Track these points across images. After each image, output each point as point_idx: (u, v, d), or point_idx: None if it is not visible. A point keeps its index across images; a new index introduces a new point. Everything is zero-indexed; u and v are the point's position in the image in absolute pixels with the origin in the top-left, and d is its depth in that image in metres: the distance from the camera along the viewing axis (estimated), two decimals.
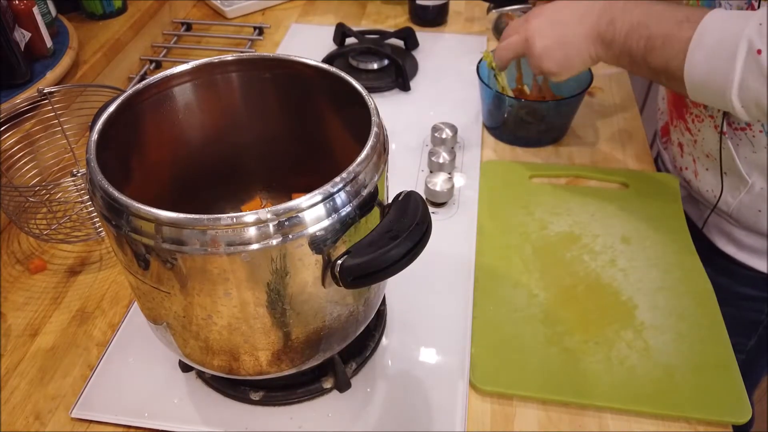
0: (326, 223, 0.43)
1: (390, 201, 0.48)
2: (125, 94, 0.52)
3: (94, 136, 0.47)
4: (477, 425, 0.58)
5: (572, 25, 0.72)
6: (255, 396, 0.59)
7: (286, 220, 0.42)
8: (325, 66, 0.55)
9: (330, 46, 1.11)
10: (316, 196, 0.42)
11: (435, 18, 1.18)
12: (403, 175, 0.85)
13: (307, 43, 1.14)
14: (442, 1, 1.16)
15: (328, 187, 0.43)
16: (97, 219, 0.75)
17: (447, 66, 1.07)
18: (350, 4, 1.26)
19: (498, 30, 1.14)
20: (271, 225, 0.41)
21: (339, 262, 0.44)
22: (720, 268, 0.79)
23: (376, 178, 0.46)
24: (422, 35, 1.12)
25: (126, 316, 0.68)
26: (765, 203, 0.73)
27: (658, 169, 0.91)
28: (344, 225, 0.44)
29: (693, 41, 0.60)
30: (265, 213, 0.41)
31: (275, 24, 1.21)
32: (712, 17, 0.60)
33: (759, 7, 0.63)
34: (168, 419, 0.58)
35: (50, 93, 0.78)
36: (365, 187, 0.45)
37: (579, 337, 0.64)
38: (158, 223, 0.41)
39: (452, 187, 0.79)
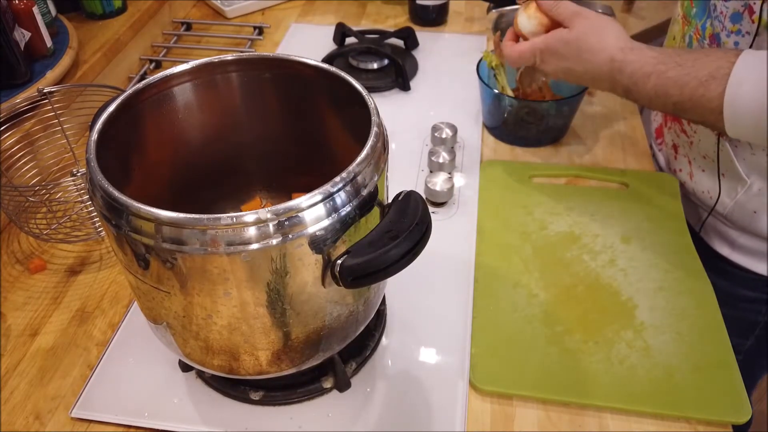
0: (326, 222, 0.43)
1: (390, 201, 0.48)
2: (125, 94, 0.52)
3: (94, 135, 0.47)
4: (477, 425, 0.58)
5: (588, 82, 0.72)
6: (255, 396, 0.59)
7: (286, 220, 0.42)
8: (325, 66, 0.55)
9: (330, 46, 1.11)
10: (316, 195, 0.42)
11: (435, 18, 1.18)
12: (403, 175, 0.85)
13: (307, 42, 1.14)
14: (442, 1, 1.16)
15: (328, 187, 0.43)
16: (97, 219, 0.75)
17: (447, 66, 1.07)
18: (350, 4, 1.26)
19: (498, 30, 1.14)
20: (271, 225, 0.41)
21: (339, 261, 0.44)
22: (717, 270, 0.79)
23: (376, 178, 0.46)
24: (422, 35, 1.12)
25: (126, 316, 0.68)
26: (761, 204, 0.73)
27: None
28: (344, 225, 0.44)
29: (727, 99, 0.59)
30: (265, 213, 0.41)
31: (275, 24, 1.21)
32: (740, 71, 0.58)
33: (759, 11, 0.63)
34: (168, 419, 0.58)
35: (50, 93, 0.78)
36: (365, 187, 0.45)
37: (579, 337, 0.64)
38: (158, 222, 0.41)
39: (452, 187, 0.79)
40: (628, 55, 0.66)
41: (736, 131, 0.61)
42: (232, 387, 0.60)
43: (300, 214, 0.42)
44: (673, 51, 0.65)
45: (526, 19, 0.74)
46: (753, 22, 0.64)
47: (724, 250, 0.81)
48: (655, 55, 0.65)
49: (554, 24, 0.72)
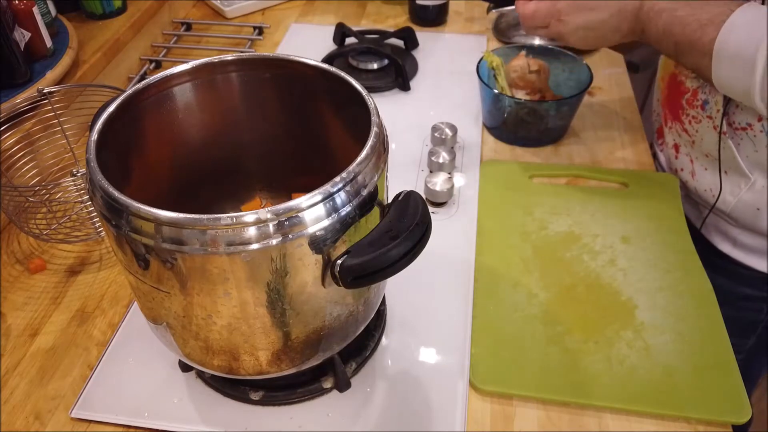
0: (326, 222, 0.43)
1: (390, 201, 0.48)
2: (125, 94, 0.52)
3: (94, 136, 0.47)
4: (477, 425, 0.58)
5: (609, 29, 0.72)
6: (255, 396, 0.59)
7: (286, 220, 0.42)
8: (325, 66, 0.55)
9: (330, 46, 1.11)
10: (316, 195, 0.42)
11: (435, 18, 1.18)
12: (403, 175, 0.85)
13: (307, 43, 1.14)
14: (442, 1, 1.16)
15: (328, 187, 0.43)
16: (97, 219, 0.75)
17: (447, 66, 1.07)
18: (350, 4, 1.27)
19: (498, 30, 1.14)
20: (271, 225, 0.41)
21: (339, 262, 0.44)
22: (719, 268, 0.79)
23: (376, 178, 0.46)
24: (422, 35, 1.12)
25: (126, 316, 0.68)
26: (764, 201, 0.73)
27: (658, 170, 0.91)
28: (344, 225, 0.44)
29: (717, 44, 0.61)
30: (265, 213, 0.41)
31: (275, 24, 1.21)
32: (736, 20, 0.60)
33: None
34: (168, 419, 0.58)
35: (50, 93, 0.78)
36: (365, 187, 0.45)
37: (579, 336, 0.64)
38: (158, 223, 0.41)
39: (452, 187, 0.79)
40: None
41: (720, 79, 0.63)
42: (232, 387, 0.60)
43: (300, 214, 0.42)
44: None
45: None
46: None
47: (725, 248, 0.81)
48: None
49: None
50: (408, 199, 0.46)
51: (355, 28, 1.11)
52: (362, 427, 0.57)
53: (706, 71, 0.64)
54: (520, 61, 0.90)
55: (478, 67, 0.90)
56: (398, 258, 0.42)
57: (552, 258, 0.72)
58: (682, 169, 0.83)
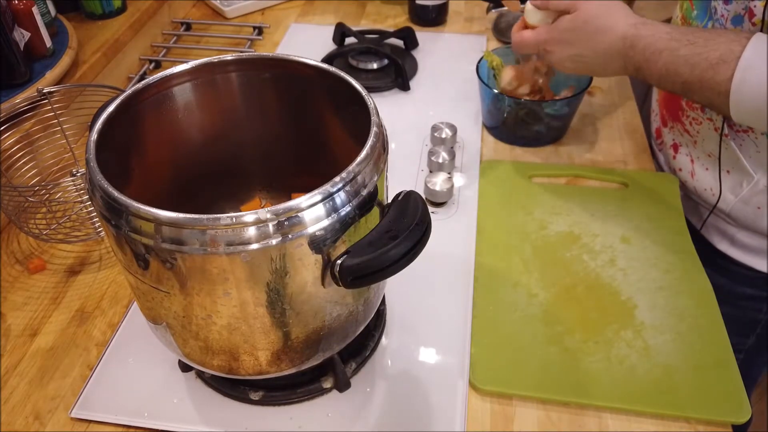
0: (326, 222, 0.43)
1: (390, 201, 0.48)
2: (125, 94, 0.52)
3: (94, 136, 0.47)
4: (477, 425, 0.58)
5: (598, 65, 0.70)
6: (255, 396, 0.59)
7: (285, 220, 0.42)
8: (325, 66, 0.55)
9: (330, 46, 1.11)
10: (315, 195, 0.42)
11: (435, 18, 1.18)
12: (402, 175, 0.85)
13: (307, 42, 1.14)
14: (442, 1, 1.16)
15: (327, 187, 0.43)
16: (97, 219, 0.75)
17: (447, 66, 1.07)
18: (350, 4, 1.26)
19: (498, 30, 1.14)
20: (270, 225, 0.41)
21: (338, 261, 0.44)
22: (719, 268, 0.79)
23: (375, 178, 0.46)
24: (422, 35, 1.12)
25: (126, 316, 0.68)
26: (766, 200, 0.73)
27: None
28: (344, 225, 0.44)
29: (734, 84, 0.59)
30: (264, 213, 0.41)
31: (275, 24, 1.21)
32: (750, 56, 0.58)
33: (762, 14, 0.63)
34: (168, 419, 0.58)
35: (50, 93, 0.78)
36: (365, 187, 0.45)
37: (579, 336, 0.64)
38: (158, 222, 0.41)
39: (452, 186, 0.79)
40: (641, 30, 0.65)
41: (740, 115, 0.61)
42: (232, 387, 0.60)
43: (300, 214, 0.42)
44: (686, 29, 0.64)
45: (533, 10, 0.74)
46: (754, 24, 0.64)
47: (728, 249, 0.81)
48: (668, 30, 0.64)
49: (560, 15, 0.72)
50: (408, 199, 0.46)
51: (354, 28, 1.11)
52: (362, 427, 0.57)
53: (722, 108, 0.61)
54: (514, 74, 0.88)
55: (477, 67, 0.90)
56: (398, 258, 0.42)
57: (552, 258, 0.72)
58: (680, 169, 0.83)
